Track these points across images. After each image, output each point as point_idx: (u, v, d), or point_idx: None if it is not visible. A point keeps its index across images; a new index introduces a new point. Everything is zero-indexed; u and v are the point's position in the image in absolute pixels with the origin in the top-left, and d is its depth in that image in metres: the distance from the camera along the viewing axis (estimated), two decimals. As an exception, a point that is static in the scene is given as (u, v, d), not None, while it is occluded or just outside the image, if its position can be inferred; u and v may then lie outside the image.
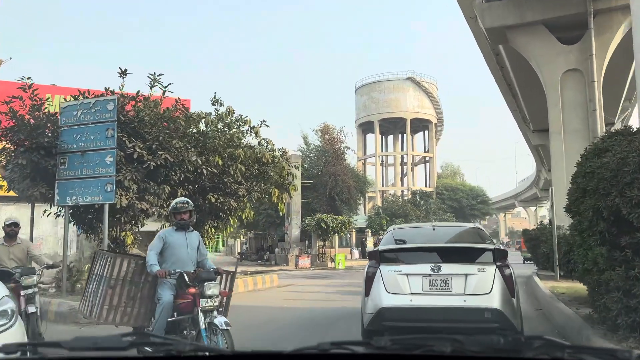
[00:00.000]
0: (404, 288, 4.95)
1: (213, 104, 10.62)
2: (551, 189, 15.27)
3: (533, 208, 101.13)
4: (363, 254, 32.42)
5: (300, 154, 32.70)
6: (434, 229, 6.18)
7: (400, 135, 66.39)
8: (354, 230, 33.30)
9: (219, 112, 10.56)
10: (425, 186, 65.06)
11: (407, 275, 4.99)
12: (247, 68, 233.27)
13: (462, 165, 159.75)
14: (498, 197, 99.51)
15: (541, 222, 15.12)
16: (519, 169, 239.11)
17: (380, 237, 29.63)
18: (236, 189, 9.97)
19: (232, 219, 10.73)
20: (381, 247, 5.56)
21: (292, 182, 11.58)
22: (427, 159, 65.57)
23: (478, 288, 4.81)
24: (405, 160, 65.66)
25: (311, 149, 32.74)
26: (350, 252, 32.28)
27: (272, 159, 11.08)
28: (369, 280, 5.18)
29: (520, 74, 24.51)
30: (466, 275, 4.87)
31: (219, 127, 10.42)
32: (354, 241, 33.19)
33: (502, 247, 5.31)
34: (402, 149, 65.16)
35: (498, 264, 4.93)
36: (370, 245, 31.78)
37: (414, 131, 68.63)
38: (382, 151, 67.78)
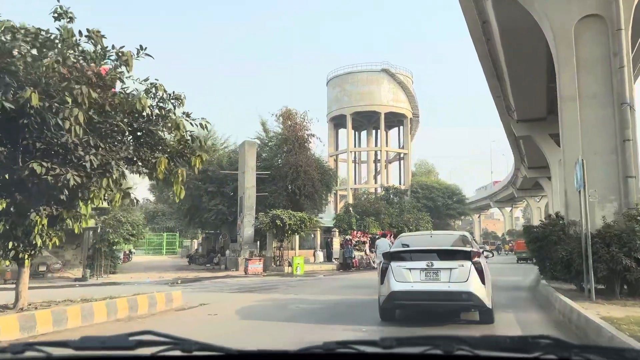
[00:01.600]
0: (407, 278, 7.10)
1: (58, 18, 6.43)
2: (558, 172, 11.61)
3: (508, 209, 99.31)
4: (329, 256, 28.47)
5: (258, 142, 28.57)
6: (431, 236, 9.15)
7: (374, 131, 62.90)
8: (319, 229, 29.36)
9: (66, 29, 6.36)
10: (400, 184, 61.74)
11: (410, 269, 7.15)
12: (213, 57, 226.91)
13: (436, 163, 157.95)
14: (473, 197, 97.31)
15: (550, 215, 11.39)
16: (494, 169, 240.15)
17: (348, 237, 25.69)
18: (80, 155, 5.89)
19: (85, 205, 6.56)
20: (392, 250, 7.90)
21: (195, 150, 7.39)
22: (401, 155, 62.25)
23: (458, 278, 6.90)
24: (379, 157, 62.07)
25: (271, 137, 28.67)
26: (314, 255, 28.29)
27: (160, 112, 7.02)
28: (383, 273, 7.33)
29: (510, 45, 21.03)
30: (450, 269, 6.98)
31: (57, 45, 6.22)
32: (318, 242, 29.23)
33: (475, 250, 7.30)
34: (376, 145, 61.61)
35: (473, 261, 7.00)
36: (336, 246, 27.89)
37: (389, 126, 65.24)
38: (355, 146, 64.15)
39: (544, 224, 11.47)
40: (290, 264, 22.01)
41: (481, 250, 7.69)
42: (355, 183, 62.95)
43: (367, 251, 26.07)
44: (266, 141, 28.65)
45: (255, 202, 25.64)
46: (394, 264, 7.15)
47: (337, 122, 60.78)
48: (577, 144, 11.08)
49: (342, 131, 62.56)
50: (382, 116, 57.36)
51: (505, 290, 12.21)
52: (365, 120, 62.22)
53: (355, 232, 26.19)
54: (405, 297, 6.93)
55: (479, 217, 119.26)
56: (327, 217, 33.51)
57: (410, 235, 10.21)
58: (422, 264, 6.99)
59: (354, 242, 25.35)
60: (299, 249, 28.34)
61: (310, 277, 19.29)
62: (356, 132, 66.81)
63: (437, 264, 6.94)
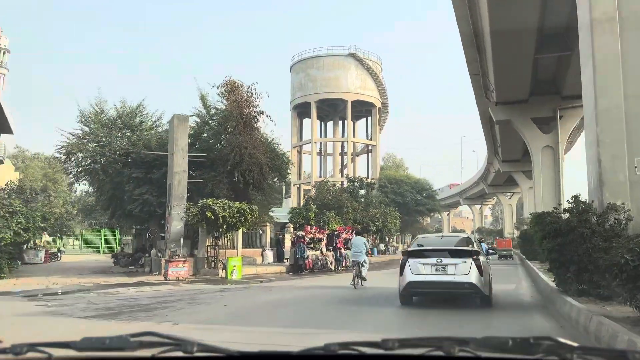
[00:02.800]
0: (421, 271, 8.74)
1: None
2: (591, 126, 7.77)
3: (478, 206, 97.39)
4: (279, 256, 24.19)
5: (197, 121, 24.02)
6: (441, 238, 11.42)
7: (340, 122, 58.94)
8: (268, 225, 25.02)
9: None
10: (368, 178, 58.07)
11: (423, 264, 8.79)
12: (171, 38, 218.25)
13: (406, 158, 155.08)
14: (441, 194, 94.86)
15: (578, 197, 7.33)
16: (464, 165, 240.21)
17: (300, 232, 21.55)
18: None
19: None
20: (410, 249, 9.51)
21: None
22: (369, 148, 58.58)
23: (461, 271, 8.51)
24: (345, 150, 58.05)
25: (212, 115, 24.15)
26: (263, 254, 23.95)
27: None
28: (402, 267, 8.99)
29: (498, 5, 17.29)
30: (455, 264, 8.60)
31: None
32: (267, 239, 24.90)
33: (475, 249, 8.96)
34: (343, 136, 57.63)
35: (473, 258, 8.63)
36: (287, 243, 23.62)
37: (356, 117, 61.47)
38: (320, 137, 60.09)
39: (568, 209, 7.54)
40: (225, 267, 17.62)
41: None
42: (320, 177, 58.88)
43: (324, 250, 21.94)
44: (207, 119, 24.10)
45: (191, 192, 21.11)
46: (410, 260, 8.91)
47: (301, 110, 56.54)
48: (618, 82, 7.19)
49: (307, 121, 58.38)
50: (349, 105, 53.46)
51: (505, 309, 8.43)
52: (332, 110, 58.21)
53: (309, 227, 21.97)
54: (419, 286, 8.79)
55: (448, 214, 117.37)
56: (278, 211, 29.18)
57: (424, 237, 12.39)
58: (433, 260, 8.72)
59: (307, 239, 21.18)
60: (246, 247, 23.96)
61: (244, 284, 15.00)
62: (322, 123, 62.74)
63: (445, 260, 8.66)
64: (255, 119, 23.26)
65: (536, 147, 27.36)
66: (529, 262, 23.13)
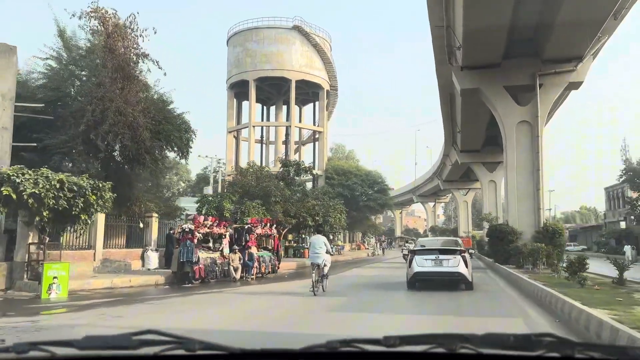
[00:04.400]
0: (424, 264, 12.02)
1: None
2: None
3: (431, 204, 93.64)
4: (167, 259, 17.30)
5: (54, 65, 16.80)
6: (437, 240, 15.82)
7: (285, 107, 52.26)
8: (155, 216, 18.02)
9: None
10: (314, 168, 51.85)
11: (425, 259, 12.10)
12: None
13: (356, 150, 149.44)
14: (394, 192, 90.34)
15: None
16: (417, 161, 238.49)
17: (187, 226, 14.91)
18: None
19: None
20: (415, 249, 12.94)
21: None
22: (316, 136, 52.37)
23: (453, 264, 11.89)
24: (290, 136, 51.37)
25: (74, 57, 16.98)
26: (143, 257, 16.98)
27: None
28: (410, 261, 12.40)
29: None
30: (448, 259, 11.96)
31: None
32: (153, 236, 17.88)
33: (462, 249, 12.60)
34: (287, 120, 51.07)
35: (461, 254, 12.06)
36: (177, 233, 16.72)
37: (303, 102, 55.14)
38: (261, 121, 53.22)
39: None
40: (40, 279, 10.68)
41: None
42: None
43: (226, 251, 15.33)
44: (66, 60, 16.88)
45: (33, 164, 13.92)
46: (416, 257, 12.29)
47: (240, 91, 49.46)
48: None
49: (245, 104, 51.34)
50: (293, 84, 46.97)
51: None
52: (274, 91, 51.54)
53: (201, 217, 15.21)
54: (423, 275, 12.09)
55: (400, 213, 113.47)
56: (183, 200, 22.22)
57: (425, 240, 16.64)
58: (433, 256, 12.14)
59: (199, 234, 14.55)
60: (118, 247, 16.93)
61: (54, 313, 8.28)
62: (264, 107, 55.95)
63: (441, 256, 12.10)
64: (134, 64, 16.29)
65: (510, 123, 21.89)
66: (504, 268, 17.61)
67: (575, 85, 21.79)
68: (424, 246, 13.01)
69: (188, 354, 1.24)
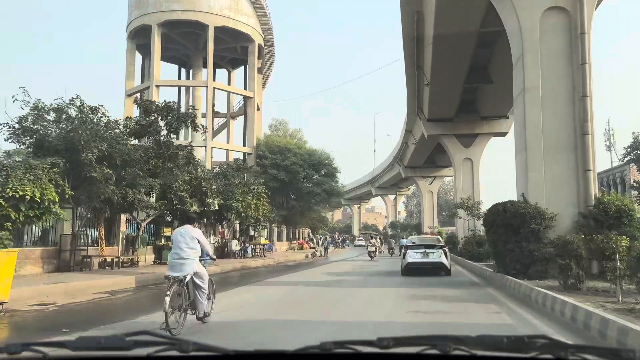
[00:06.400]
0: (414, 256, 15.81)
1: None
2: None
3: (392, 196, 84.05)
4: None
5: None
6: (424, 238, 19.58)
7: (204, 70, 40.41)
8: None
9: None
10: (244, 145, 40.60)
11: (416, 252, 15.93)
12: None
13: (305, 131, 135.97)
14: (351, 183, 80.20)
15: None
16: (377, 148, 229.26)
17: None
18: None
19: None
20: (407, 244, 17.01)
21: None
22: (245, 102, 41.07)
23: (436, 256, 15.72)
24: (208, 102, 39.66)
25: None
26: None
27: None
28: (404, 254, 16.26)
29: None
30: (433, 252, 15.82)
31: None
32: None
33: (443, 244, 17.04)
34: (204, 79, 39.43)
35: (443, 249, 16.04)
36: None
37: (232, 63, 43.79)
38: (176, 86, 41.26)
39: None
40: None
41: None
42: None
43: None
44: None
45: None
46: (409, 250, 15.94)
47: (144, 42, 37.54)
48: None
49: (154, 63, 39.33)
50: (211, 31, 35.64)
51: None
52: (191, 45, 39.99)
53: None
54: (414, 265, 15.59)
55: (359, 208, 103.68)
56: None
57: (415, 237, 21.13)
58: (421, 250, 15.82)
59: None
60: None
61: None
62: (182, 69, 44.26)
63: (428, 250, 15.77)
64: None
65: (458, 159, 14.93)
66: (531, 287, 7.45)
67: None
68: (415, 242, 17.21)
69: (181, 355, 1.23)
